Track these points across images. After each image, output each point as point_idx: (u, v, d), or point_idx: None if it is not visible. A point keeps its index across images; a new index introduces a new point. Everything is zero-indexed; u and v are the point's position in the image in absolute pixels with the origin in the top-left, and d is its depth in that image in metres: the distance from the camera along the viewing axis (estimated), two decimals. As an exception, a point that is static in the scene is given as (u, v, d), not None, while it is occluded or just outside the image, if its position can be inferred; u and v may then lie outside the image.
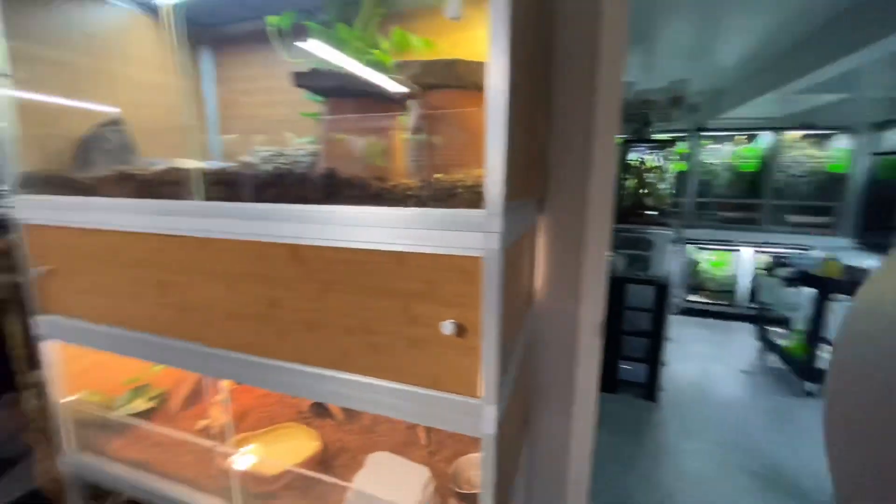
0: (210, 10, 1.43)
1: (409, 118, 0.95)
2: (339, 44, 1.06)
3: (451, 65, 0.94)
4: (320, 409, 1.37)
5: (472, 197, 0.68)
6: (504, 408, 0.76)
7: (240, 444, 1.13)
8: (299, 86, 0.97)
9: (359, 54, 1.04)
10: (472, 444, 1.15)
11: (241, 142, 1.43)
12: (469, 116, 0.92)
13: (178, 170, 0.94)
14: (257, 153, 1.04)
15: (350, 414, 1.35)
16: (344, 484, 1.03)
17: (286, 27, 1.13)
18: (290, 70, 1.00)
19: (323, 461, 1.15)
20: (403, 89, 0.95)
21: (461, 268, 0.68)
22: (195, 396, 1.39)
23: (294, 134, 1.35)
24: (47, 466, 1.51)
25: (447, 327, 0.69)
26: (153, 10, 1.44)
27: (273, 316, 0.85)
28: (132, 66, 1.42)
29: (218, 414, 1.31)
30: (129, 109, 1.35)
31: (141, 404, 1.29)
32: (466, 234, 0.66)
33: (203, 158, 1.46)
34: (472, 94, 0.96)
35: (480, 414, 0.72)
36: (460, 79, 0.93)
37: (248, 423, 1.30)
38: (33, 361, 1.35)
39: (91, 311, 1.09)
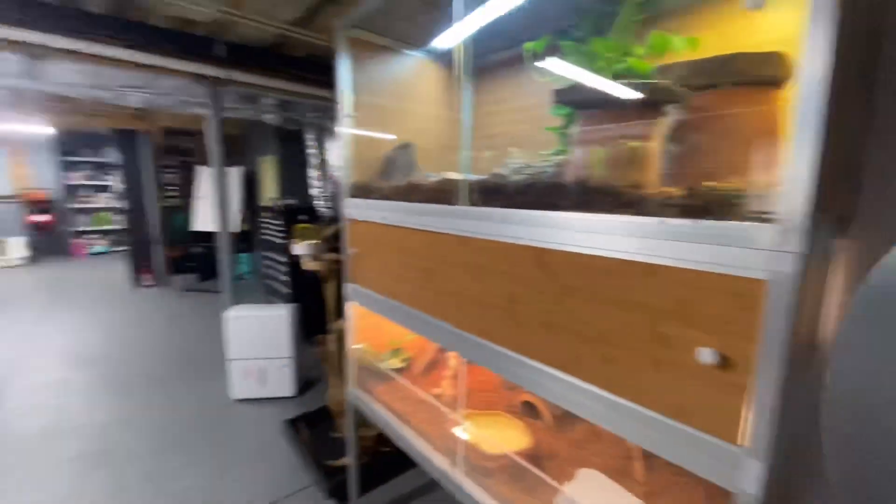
0: (477, 45, 1.70)
1: (667, 123, 0.89)
2: (591, 57, 1.09)
3: (730, 61, 0.83)
4: (530, 409, 1.42)
5: (755, 209, 0.58)
6: (775, 468, 0.62)
7: (467, 417, 1.30)
8: (559, 102, 1.04)
9: (612, 65, 1.04)
10: (711, 500, 0.97)
11: (491, 156, 1.64)
12: (749, 116, 0.79)
13: (449, 181, 1.16)
14: (509, 165, 1.17)
15: (560, 422, 1.35)
16: (554, 485, 1.04)
17: (540, 50, 1.23)
18: (536, 89, 1.08)
19: (532, 458, 1.20)
20: (662, 94, 0.90)
21: (733, 290, 0.59)
22: (431, 366, 1.67)
23: (518, 148, 1.46)
24: (335, 392, 2.10)
25: (706, 355, 0.61)
26: (435, 55, 1.82)
27: (512, 310, 0.95)
28: (416, 102, 1.83)
29: (447, 386, 1.54)
30: (413, 136, 1.75)
31: (396, 363, 1.65)
32: (746, 252, 0.57)
33: (458, 171, 1.75)
34: (753, 91, 0.82)
35: (740, 465, 0.61)
36: (741, 75, 0.81)
37: (469, 401, 1.48)
38: (338, 314, 1.91)
39: (378, 284, 1.46)
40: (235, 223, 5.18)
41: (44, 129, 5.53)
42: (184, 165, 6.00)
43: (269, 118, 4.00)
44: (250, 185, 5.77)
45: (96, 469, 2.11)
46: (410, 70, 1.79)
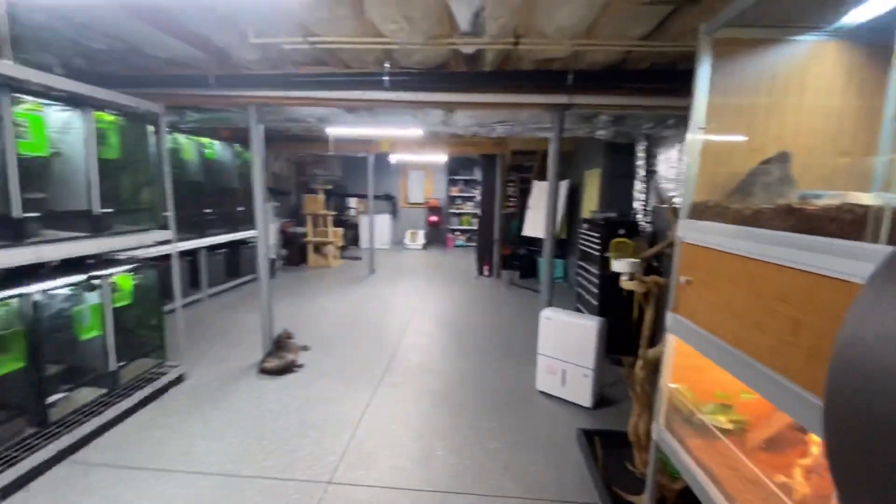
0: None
1: None
2: None
3: None
4: None
5: None
6: None
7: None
8: None
9: None
10: None
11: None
12: None
13: (855, 206, 0.84)
14: None
15: None
16: None
17: None
18: None
19: None
20: None
21: None
22: (776, 443, 1.28)
23: None
24: (637, 422, 1.97)
25: None
26: (839, 32, 1.34)
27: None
28: (796, 100, 1.42)
29: (802, 478, 1.15)
30: (784, 144, 1.37)
31: (722, 420, 1.36)
32: None
33: (868, 190, 1.23)
34: None
35: None
36: None
37: (841, 517, 1.04)
38: (652, 342, 1.78)
39: (712, 323, 1.25)
40: (557, 231, 5.73)
41: (441, 157, 7.95)
42: (521, 180, 7.18)
43: (601, 133, 4.15)
44: (572, 197, 6.20)
45: (441, 405, 2.88)
46: (790, 59, 1.40)
